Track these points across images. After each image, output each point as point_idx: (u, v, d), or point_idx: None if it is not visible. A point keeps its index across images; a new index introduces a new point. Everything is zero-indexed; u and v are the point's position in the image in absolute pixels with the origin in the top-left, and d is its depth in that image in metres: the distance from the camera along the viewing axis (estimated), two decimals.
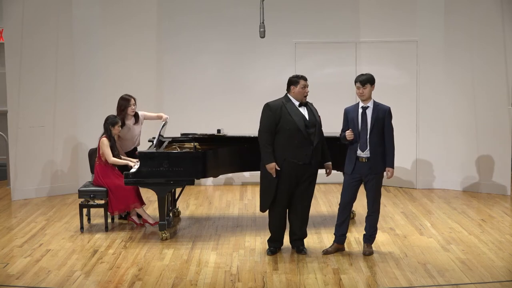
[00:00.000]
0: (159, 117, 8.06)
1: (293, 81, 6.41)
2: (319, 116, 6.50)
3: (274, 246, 6.59)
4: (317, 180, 9.87)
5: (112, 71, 9.78)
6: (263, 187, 6.52)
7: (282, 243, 6.65)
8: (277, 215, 6.51)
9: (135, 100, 7.90)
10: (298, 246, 6.60)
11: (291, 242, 6.69)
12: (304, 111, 6.38)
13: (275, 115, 6.31)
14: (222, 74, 10.11)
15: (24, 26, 9.18)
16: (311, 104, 6.54)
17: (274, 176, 6.32)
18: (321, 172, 8.22)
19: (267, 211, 6.57)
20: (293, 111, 6.32)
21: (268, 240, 6.65)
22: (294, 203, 6.52)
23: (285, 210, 6.55)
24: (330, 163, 6.65)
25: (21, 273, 6.09)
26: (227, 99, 10.02)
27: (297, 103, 6.38)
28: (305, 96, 6.40)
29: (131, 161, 7.67)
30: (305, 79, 6.42)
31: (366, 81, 6.36)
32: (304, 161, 6.33)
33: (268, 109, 6.36)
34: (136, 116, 7.96)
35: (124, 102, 7.85)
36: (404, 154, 9.57)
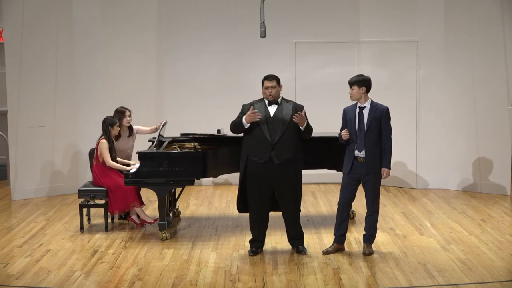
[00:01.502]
0: (153, 130, 8.04)
1: (261, 81, 6.53)
2: (300, 114, 6.34)
3: (255, 247, 6.61)
4: (317, 180, 10.02)
5: (112, 71, 9.78)
6: (239, 188, 6.62)
7: (263, 244, 6.67)
8: (253, 216, 6.56)
9: (130, 112, 7.91)
10: (298, 246, 6.61)
11: (289, 241, 6.71)
12: (272, 109, 6.43)
13: (244, 112, 6.46)
14: (222, 74, 10.11)
15: (24, 26, 9.18)
16: (291, 102, 6.51)
17: (256, 115, 6.29)
18: (320, 172, 8.25)
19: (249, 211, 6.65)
20: (259, 108, 6.42)
21: (249, 241, 6.68)
22: (281, 205, 6.56)
23: (262, 211, 6.54)
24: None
25: (21, 273, 6.09)
26: (227, 99, 10.02)
27: (267, 102, 6.48)
28: (270, 95, 6.42)
29: (128, 164, 7.67)
30: (269, 79, 6.44)
31: (352, 83, 6.41)
32: (264, 159, 6.34)
33: (242, 108, 6.57)
34: (130, 129, 7.97)
35: (119, 114, 7.85)
36: (404, 154, 9.59)
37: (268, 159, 6.35)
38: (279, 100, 6.49)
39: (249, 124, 6.37)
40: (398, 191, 9.60)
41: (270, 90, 6.43)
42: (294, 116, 6.33)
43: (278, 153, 6.35)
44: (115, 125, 7.63)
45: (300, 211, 6.65)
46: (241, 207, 6.68)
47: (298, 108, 6.47)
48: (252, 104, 6.50)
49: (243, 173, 6.49)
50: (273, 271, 6.06)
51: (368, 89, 6.43)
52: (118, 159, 7.73)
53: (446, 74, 9.51)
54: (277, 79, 6.47)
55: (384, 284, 5.73)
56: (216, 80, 10.10)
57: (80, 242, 7.12)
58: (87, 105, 9.65)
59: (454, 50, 9.42)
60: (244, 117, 6.38)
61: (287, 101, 6.54)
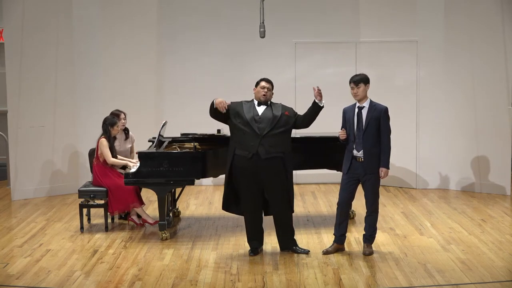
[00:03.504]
0: (131, 156, 8.02)
1: (256, 82, 6.62)
2: (286, 112, 6.48)
3: (255, 246, 6.62)
4: (317, 180, 10.02)
5: (112, 71, 9.78)
6: (224, 186, 6.65)
7: (261, 243, 6.68)
8: (247, 216, 6.60)
9: (125, 115, 7.93)
10: (293, 248, 6.60)
11: (280, 243, 6.65)
12: (261, 109, 6.49)
13: (230, 109, 6.51)
14: (222, 74, 10.11)
15: (24, 26, 9.19)
16: (279, 104, 6.58)
17: (224, 105, 6.39)
18: (320, 172, 8.25)
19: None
20: (247, 108, 6.50)
21: (249, 241, 6.68)
22: (272, 207, 6.56)
23: (256, 211, 6.56)
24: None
25: (21, 273, 6.10)
26: (227, 99, 9.90)
27: (256, 103, 6.54)
28: (264, 95, 6.48)
29: (130, 161, 7.69)
30: (266, 81, 6.55)
31: (359, 81, 6.39)
32: (251, 152, 6.35)
33: (230, 103, 6.61)
34: (126, 131, 7.98)
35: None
36: (404, 154, 9.59)
37: (255, 151, 6.35)
38: (268, 102, 6.56)
39: (214, 106, 6.42)
40: (398, 191, 9.61)
41: (265, 90, 6.50)
42: (315, 89, 6.41)
43: (266, 147, 6.35)
44: (115, 125, 7.66)
45: (292, 211, 6.64)
46: (225, 206, 6.70)
47: (287, 108, 6.56)
48: (240, 103, 6.56)
49: (228, 170, 6.49)
50: (273, 271, 6.06)
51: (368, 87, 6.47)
52: (118, 157, 7.74)
53: (446, 74, 9.51)
54: (272, 84, 6.59)
55: (384, 284, 5.73)
56: (216, 80, 10.09)
57: (80, 242, 7.12)
58: (87, 105, 9.66)
59: (454, 50, 9.42)
60: (215, 99, 6.44)
61: (276, 103, 6.60)
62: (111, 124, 7.63)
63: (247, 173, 6.41)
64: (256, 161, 6.36)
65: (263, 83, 6.53)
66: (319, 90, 6.44)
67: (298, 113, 6.62)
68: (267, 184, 6.45)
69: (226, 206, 6.72)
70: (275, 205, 6.53)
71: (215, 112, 6.48)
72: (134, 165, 7.42)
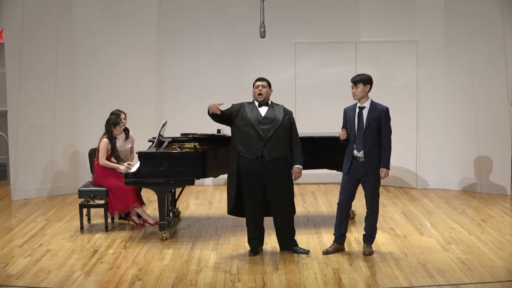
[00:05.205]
0: (131, 157, 8.02)
1: (253, 83, 6.63)
2: (287, 116, 6.49)
3: (255, 246, 6.61)
4: (317, 180, 10.03)
5: (112, 71, 9.78)
6: (228, 189, 6.63)
7: (261, 243, 6.68)
8: (250, 216, 6.59)
9: (125, 115, 7.93)
10: (293, 248, 6.60)
11: (281, 244, 6.64)
12: (263, 110, 6.49)
13: (233, 110, 6.54)
14: (222, 74, 10.11)
15: (24, 26, 9.19)
16: (281, 106, 6.58)
17: (217, 106, 6.34)
18: (320, 172, 8.25)
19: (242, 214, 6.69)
20: (250, 110, 6.50)
21: (249, 241, 6.68)
22: (273, 207, 6.54)
23: (258, 211, 6.56)
24: (297, 166, 6.48)
25: (21, 273, 6.10)
26: (227, 99, 9.94)
27: (257, 104, 6.53)
28: (259, 95, 6.49)
29: (122, 165, 7.65)
30: (260, 80, 6.56)
31: (358, 81, 6.40)
32: (256, 154, 6.36)
33: (231, 106, 6.62)
34: (126, 131, 7.97)
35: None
36: (404, 154, 9.58)
37: (260, 154, 6.36)
38: (269, 102, 6.56)
39: (211, 111, 6.39)
40: (398, 191, 9.61)
41: (260, 89, 6.50)
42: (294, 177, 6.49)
43: (269, 149, 6.36)
44: (118, 125, 7.67)
45: (294, 212, 6.65)
46: (233, 210, 6.65)
47: (288, 112, 6.55)
48: (242, 105, 6.55)
49: (236, 173, 6.47)
50: (273, 271, 6.06)
51: (370, 88, 6.45)
52: (112, 160, 7.70)
53: (446, 74, 9.51)
54: (268, 81, 6.58)
55: (384, 284, 5.73)
56: (216, 80, 10.10)
57: (80, 242, 7.12)
58: (87, 105, 9.66)
59: (454, 50, 9.42)
60: (209, 105, 6.40)
61: (277, 104, 6.60)
62: (114, 124, 7.64)
63: (251, 174, 6.41)
64: (261, 162, 6.37)
65: (257, 83, 6.56)
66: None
67: (297, 115, 6.64)
68: (270, 185, 6.45)
69: (232, 210, 6.67)
70: (278, 206, 6.53)
71: (215, 117, 6.47)
72: (125, 168, 7.41)
